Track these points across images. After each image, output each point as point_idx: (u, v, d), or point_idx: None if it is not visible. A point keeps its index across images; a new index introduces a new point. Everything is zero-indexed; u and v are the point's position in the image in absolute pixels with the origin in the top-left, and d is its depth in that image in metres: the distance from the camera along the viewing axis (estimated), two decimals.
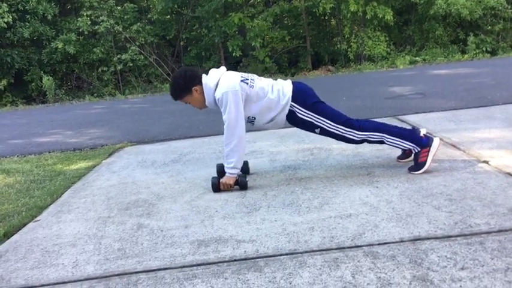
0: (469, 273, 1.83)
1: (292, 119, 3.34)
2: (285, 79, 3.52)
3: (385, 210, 2.57)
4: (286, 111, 3.28)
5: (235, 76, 3.27)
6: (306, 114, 3.27)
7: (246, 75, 3.33)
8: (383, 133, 3.25)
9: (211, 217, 2.78)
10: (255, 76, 3.37)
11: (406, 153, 3.45)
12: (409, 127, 3.60)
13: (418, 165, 3.19)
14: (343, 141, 3.33)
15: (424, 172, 3.14)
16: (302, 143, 4.50)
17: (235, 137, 3.19)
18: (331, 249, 2.18)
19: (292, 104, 3.26)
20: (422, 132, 3.41)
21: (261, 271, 2.04)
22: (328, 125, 3.27)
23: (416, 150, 3.21)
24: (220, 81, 3.22)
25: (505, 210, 2.41)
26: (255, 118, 3.33)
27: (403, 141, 3.24)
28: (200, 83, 3.27)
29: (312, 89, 3.41)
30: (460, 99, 6.26)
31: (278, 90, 3.28)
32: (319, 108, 3.28)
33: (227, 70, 3.38)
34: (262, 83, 3.30)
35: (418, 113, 5.57)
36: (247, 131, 3.31)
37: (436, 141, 3.20)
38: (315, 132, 3.35)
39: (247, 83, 3.24)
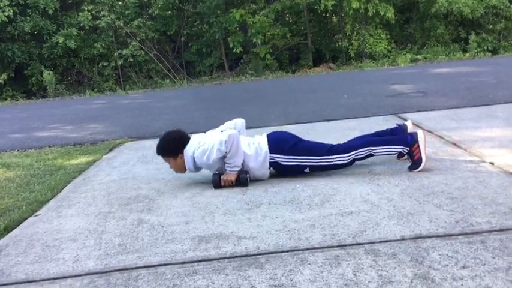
0: (470, 272, 1.83)
1: (280, 170, 3.36)
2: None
3: (386, 208, 2.57)
4: (267, 164, 3.30)
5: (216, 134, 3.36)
6: (289, 160, 3.29)
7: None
8: (368, 146, 3.25)
9: (212, 213, 2.78)
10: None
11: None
12: (400, 122, 3.61)
13: (415, 163, 3.19)
14: (335, 169, 3.33)
15: (425, 170, 3.14)
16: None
17: (233, 137, 3.20)
18: (332, 246, 2.18)
19: (272, 155, 3.28)
20: (409, 125, 3.48)
21: (262, 268, 2.04)
22: (315, 161, 3.28)
23: (406, 150, 3.23)
24: (198, 140, 3.33)
25: (506, 209, 2.40)
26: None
27: (390, 147, 3.27)
28: (183, 150, 3.34)
29: (287, 133, 3.45)
30: (462, 98, 6.26)
31: (256, 147, 3.31)
32: (299, 148, 3.31)
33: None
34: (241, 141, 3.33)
35: (419, 111, 5.57)
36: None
37: (420, 134, 3.21)
38: (305, 173, 3.33)
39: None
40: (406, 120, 3.80)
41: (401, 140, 3.26)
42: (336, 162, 3.27)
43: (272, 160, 3.30)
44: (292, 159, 3.28)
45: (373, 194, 2.83)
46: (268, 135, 3.40)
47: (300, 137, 3.46)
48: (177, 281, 2.00)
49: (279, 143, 3.33)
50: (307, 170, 3.31)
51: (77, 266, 2.25)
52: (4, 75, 15.32)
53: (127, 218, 2.85)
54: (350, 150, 3.26)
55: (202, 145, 3.26)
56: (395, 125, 3.58)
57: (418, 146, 3.17)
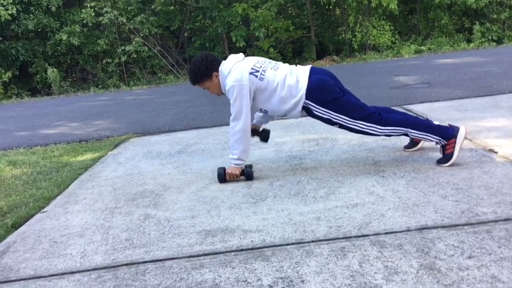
0: (476, 262, 1.83)
1: (310, 114, 3.22)
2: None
3: (392, 200, 2.57)
4: (299, 108, 3.16)
5: (246, 67, 3.17)
6: (322, 112, 3.14)
7: (258, 65, 3.20)
8: (407, 127, 3.09)
9: (217, 207, 2.79)
10: (268, 65, 3.23)
11: (413, 142, 3.43)
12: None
13: (445, 156, 3.07)
14: (364, 134, 3.20)
15: (430, 161, 3.13)
16: (307, 133, 4.50)
17: (240, 130, 3.17)
18: (338, 238, 2.18)
19: (307, 101, 3.12)
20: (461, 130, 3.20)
21: (268, 260, 2.05)
22: (347, 122, 3.12)
23: (443, 143, 3.08)
24: (231, 71, 3.16)
25: (511, 198, 2.40)
26: (267, 111, 3.29)
27: (429, 135, 3.09)
28: (218, 69, 3.24)
29: (331, 82, 3.19)
30: (466, 88, 6.23)
31: (290, 86, 3.12)
32: (337, 104, 3.11)
33: (245, 57, 3.34)
34: (273, 76, 3.16)
35: (424, 102, 5.55)
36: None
37: (462, 130, 3.04)
38: (334, 126, 3.22)
39: (257, 76, 3.14)
40: (413, 113, 3.77)
41: (443, 131, 3.07)
42: (367, 130, 3.12)
43: (305, 105, 3.14)
44: (326, 113, 3.13)
45: (379, 185, 2.83)
46: (311, 78, 3.14)
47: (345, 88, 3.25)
48: (184, 275, 2.01)
49: (320, 91, 3.12)
50: (337, 126, 3.18)
51: (85, 261, 2.27)
52: (9, 74, 15.38)
53: (133, 213, 2.87)
54: (389, 124, 3.09)
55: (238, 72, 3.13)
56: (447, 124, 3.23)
57: (455, 142, 3.02)
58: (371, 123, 3.09)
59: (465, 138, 3.07)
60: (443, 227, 2.17)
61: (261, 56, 3.77)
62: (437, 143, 3.11)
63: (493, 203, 2.37)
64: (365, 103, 3.21)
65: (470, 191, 2.56)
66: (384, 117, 3.10)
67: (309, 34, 17.27)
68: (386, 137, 3.29)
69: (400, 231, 2.18)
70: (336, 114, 3.12)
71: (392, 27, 15.99)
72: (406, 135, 3.15)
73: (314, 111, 3.16)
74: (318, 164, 3.46)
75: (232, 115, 3.17)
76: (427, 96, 5.94)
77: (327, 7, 17.78)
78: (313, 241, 2.19)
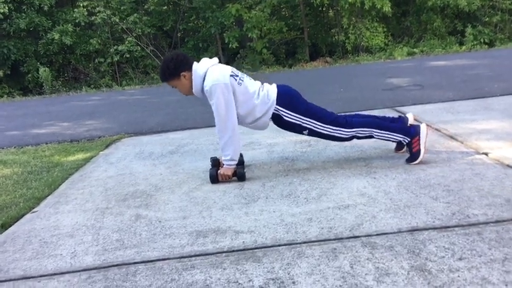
0: (467, 264, 1.84)
1: (279, 123, 3.35)
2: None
3: (383, 201, 2.58)
4: (270, 114, 3.28)
5: (226, 69, 3.25)
6: (292, 117, 3.27)
7: (236, 72, 3.30)
8: (371, 128, 3.25)
9: (209, 208, 2.78)
10: (244, 75, 3.35)
11: (401, 144, 3.46)
12: (396, 115, 3.60)
13: (413, 155, 3.20)
14: (332, 140, 3.35)
15: (422, 163, 3.15)
16: (300, 134, 4.49)
17: (228, 130, 3.19)
18: (330, 239, 2.19)
19: (278, 107, 3.25)
20: (410, 118, 3.44)
21: (259, 261, 2.04)
22: (316, 126, 3.26)
23: (407, 141, 3.23)
24: (210, 72, 3.19)
25: (502, 200, 2.42)
26: (237, 118, 3.31)
27: (393, 134, 3.26)
28: (190, 69, 3.26)
29: (297, 91, 3.39)
30: (458, 91, 6.26)
31: (264, 95, 3.26)
32: (306, 109, 3.27)
33: (220, 62, 3.37)
34: (249, 84, 3.28)
35: (416, 104, 5.57)
36: None
37: (422, 128, 3.21)
38: (303, 134, 3.35)
39: (236, 79, 3.22)
40: (404, 115, 3.80)
41: (405, 130, 3.24)
42: (335, 134, 3.26)
43: (275, 112, 3.26)
44: (296, 117, 3.26)
45: (370, 187, 2.83)
46: (279, 86, 3.34)
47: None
48: (175, 276, 2.00)
49: (289, 97, 3.29)
50: (306, 132, 3.30)
51: (75, 262, 2.25)
52: (0, 73, 15.26)
53: (124, 213, 2.85)
54: (353, 126, 3.24)
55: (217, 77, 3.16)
56: (398, 116, 3.57)
57: (419, 138, 3.17)
58: (338, 126, 3.24)
59: (427, 135, 3.22)
60: (434, 228, 2.18)
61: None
62: (401, 141, 3.27)
63: (484, 205, 2.38)
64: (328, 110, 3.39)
65: (461, 193, 2.58)
66: (348, 120, 3.27)
67: (302, 35, 17.28)
68: (355, 139, 3.35)
69: (391, 233, 2.18)
70: (306, 119, 3.26)
71: (385, 29, 16.05)
72: (372, 137, 3.28)
73: (284, 117, 3.27)
74: (310, 165, 3.46)
75: (217, 116, 3.18)
76: (419, 98, 5.97)
77: (320, 9, 17.82)
78: (304, 242, 2.18)
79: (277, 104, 3.25)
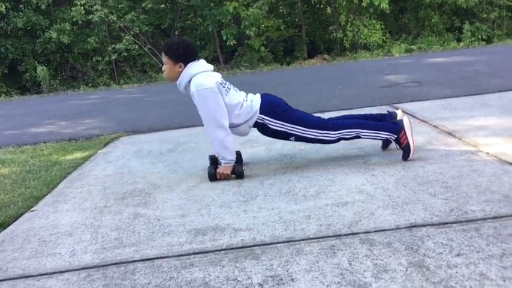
0: (465, 260, 1.84)
1: (265, 131, 3.38)
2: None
3: (381, 198, 2.58)
4: (251, 123, 3.33)
5: (217, 77, 3.28)
6: (277, 125, 3.31)
7: (224, 81, 3.34)
8: (357, 128, 3.28)
9: (208, 206, 2.79)
10: (231, 86, 3.39)
11: (388, 141, 3.47)
12: (384, 112, 3.62)
13: (404, 150, 3.21)
14: (319, 143, 3.38)
15: (420, 159, 3.15)
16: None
17: (220, 134, 3.21)
18: (328, 236, 2.19)
19: (262, 116, 3.30)
20: (399, 114, 3.50)
21: (258, 259, 2.05)
22: (302, 131, 3.29)
23: (394, 138, 3.25)
24: (199, 77, 3.22)
25: (500, 196, 2.42)
26: None
27: (379, 133, 3.28)
28: (188, 62, 3.28)
29: (281, 99, 3.44)
30: (456, 87, 6.27)
31: (247, 105, 3.31)
32: (290, 116, 3.31)
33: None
34: (235, 94, 3.34)
35: (414, 101, 5.58)
36: None
37: (405, 121, 3.23)
38: (289, 140, 3.39)
39: (224, 87, 3.27)
40: (397, 109, 3.81)
41: (389, 127, 3.27)
42: (322, 138, 3.30)
43: (260, 120, 3.31)
44: (281, 125, 3.30)
45: (368, 184, 2.84)
46: (262, 95, 3.40)
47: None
48: (174, 274, 2.01)
49: (272, 105, 3.33)
50: (292, 138, 3.35)
51: (74, 261, 2.25)
52: None
53: (123, 212, 2.86)
54: (339, 128, 3.27)
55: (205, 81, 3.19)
56: (386, 112, 3.60)
57: (405, 132, 3.18)
58: (324, 130, 3.28)
59: (411, 127, 3.24)
60: (432, 225, 2.19)
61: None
62: (388, 139, 3.29)
63: (482, 201, 2.39)
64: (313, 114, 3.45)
65: (459, 189, 2.58)
66: (334, 123, 3.32)
67: (300, 33, 17.27)
68: (342, 140, 3.37)
69: (389, 229, 2.19)
70: (291, 125, 3.30)
71: (383, 26, 16.03)
72: (359, 137, 3.31)
73: (270, 126, 3.32)
74: (308, 162, 3.47)
75: (208, 121, 3.22)
76: (417, 95, 5.97)
77: (318, 6, 17.81)
78: (303, 239, 2.19)
79: (261, 113, 3.30)
